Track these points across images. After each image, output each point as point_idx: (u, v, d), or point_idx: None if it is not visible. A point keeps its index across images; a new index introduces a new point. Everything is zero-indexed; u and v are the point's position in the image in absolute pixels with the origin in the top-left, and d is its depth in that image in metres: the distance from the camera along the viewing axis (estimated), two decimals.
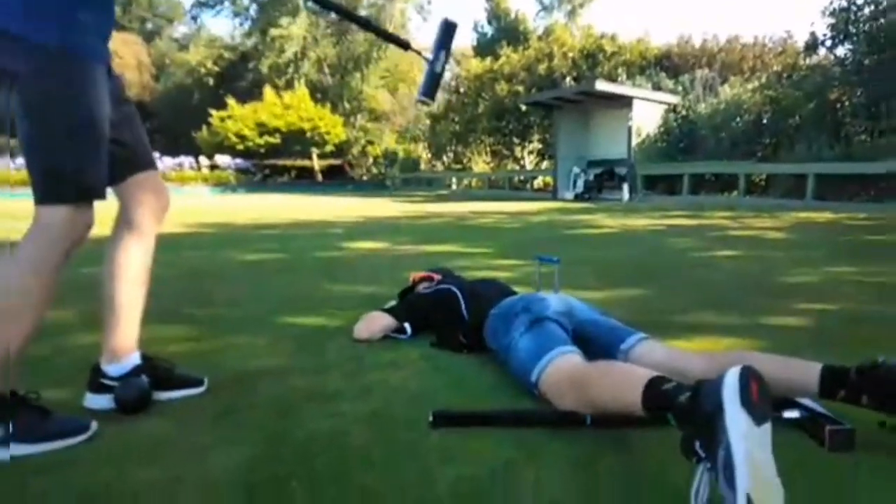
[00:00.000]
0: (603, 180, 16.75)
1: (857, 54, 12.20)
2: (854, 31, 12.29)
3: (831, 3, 12.52)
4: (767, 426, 1.02)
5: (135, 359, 1.69)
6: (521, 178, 23.88)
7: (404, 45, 2.09)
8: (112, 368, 1.64)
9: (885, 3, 11.68)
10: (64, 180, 1.40)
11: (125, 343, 1.67)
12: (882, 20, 11.57)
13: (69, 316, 2.60)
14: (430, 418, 1.51)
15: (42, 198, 1.40)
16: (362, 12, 36.48)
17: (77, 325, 2.48)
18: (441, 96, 33.19)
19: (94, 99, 1.42)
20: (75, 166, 1.41)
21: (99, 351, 1.67)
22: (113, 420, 1.55)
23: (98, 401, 1.62)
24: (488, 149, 27.66)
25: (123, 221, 1.65)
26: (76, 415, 1.54)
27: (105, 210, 1.58)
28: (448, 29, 2.03)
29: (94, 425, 1.47)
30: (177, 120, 39.33)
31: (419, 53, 1.99)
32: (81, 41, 1.40)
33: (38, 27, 1.33)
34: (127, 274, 1.64)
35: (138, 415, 1.59)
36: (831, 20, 12.69)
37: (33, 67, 1.33)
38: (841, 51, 13.11)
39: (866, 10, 12.04)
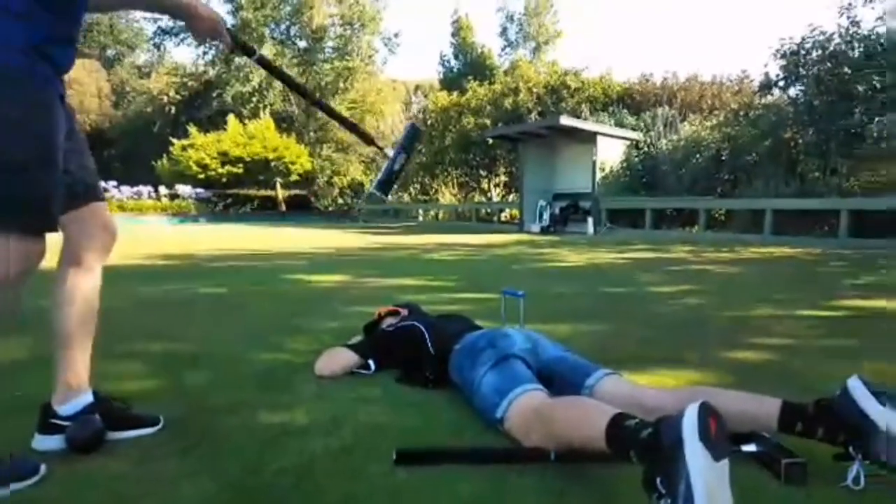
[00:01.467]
0: (568, 213, 17.00)
1: (807, 95, 12.72)
2: (804, 73, 12.84)
3: (782, 46, 13.08)
4: (726, 462, 1.04)
5: (87, 397, 1.64)
6: (488, 210, 24.10)
7: (368, 141, 2.21)
8: (63, 408, 1.59)
9: (831, 48, 12.25)
10: (14, 208, 1.32)
11: (77, 381, 1.62)
12: (829, 63, 12.12)
13: (19, 351, 2.51)
14: (394, 456, 1.50)
15: None
16: (329, 43, 36.81)
17: (27, 361, 2.40)
18: None
19: (48, 124, 1.36)
20: (27, 194, 1.33)
21: (49, 389, 1.61)
22: (63, 461, 1.50)
23: (47, 442, 1.57)
24: (455, 181, 27.88)
25: (68, 255, 1.61)
26: (24, 457, 1.48)
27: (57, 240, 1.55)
28: (413, 133, 2.14)
29: (42, 468, 1.42)
30: (136, 148, 38.70)
31: (381, 150, 2.07)
32: (34, 65, 1.33)
33: None
34: (74, 311, 1.60)
35: (90, 455, 1.54)
36: (783, 62, 13.24)
37: None
38: (793, 91, 13.67)
39: (814, 54, 12.60)
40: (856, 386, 1.39)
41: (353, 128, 2.26)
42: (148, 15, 36.00)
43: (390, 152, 2.09)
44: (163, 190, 28.58)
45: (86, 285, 1.63)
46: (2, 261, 1.31)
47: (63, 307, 1.59)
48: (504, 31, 39.81)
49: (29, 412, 1.63)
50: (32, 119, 1.33)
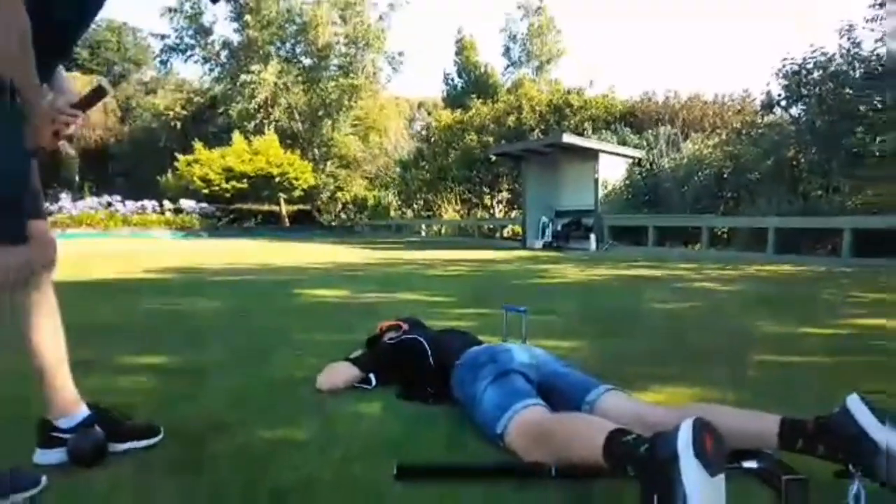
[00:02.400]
0: (571, 230, 17.02)
1: (809, 115, 12.78)
2: (806, 92, 12.91)
3: (783, 66, 13.17)
4: (721, 477, 1.04)
5: (84, 410, 1.65)
6: (491, 226, 24.14)
7: None
8: (63, 421, 1.60)
9: (832, 68, 12.33)
10: None
11: (69, 396, 1.63)
12: (830, 84, 12.19)
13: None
14: (395, 471, 1.50)
15: None
16: (334, 61, 37.07)
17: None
18: (412, 145, 33.66)
19: (20, 137, 1.37)
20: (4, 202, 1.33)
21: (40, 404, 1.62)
22: (64, 474, 1.50)
23: (49, 455, 1.58)
24: (458, 197, 27.97)
25: None
26: (24, 468, 1.49)
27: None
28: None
29: (43, 479, 1.42)
30: (142, 164, 38.87)
31: None
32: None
33: None
34: (42, 332, 1.59)
35: (91, 468, 1.54)
36: (784, 81, 13.32)
37: None
38: (795, 111, 13.73)
39: (816, 74, 12.67)
40: (855, 404, 1.39)
41: None
42: (155, 31, 36.02)
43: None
44: (167, 204, 28.67)
45: (44, 304, 1.60)
46: None
47: (31, 334, 1.58)
48: (507, 51, 40.09)
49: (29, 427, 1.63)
50: (8, 133, 1.33)
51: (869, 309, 4.88)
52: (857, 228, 10.67)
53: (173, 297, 5.29)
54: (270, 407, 2.09)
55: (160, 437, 1.74)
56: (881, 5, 11.25)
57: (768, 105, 14.39)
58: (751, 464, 1.48)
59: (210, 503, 1.37)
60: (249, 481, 1.48)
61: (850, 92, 11.76)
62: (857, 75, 11.98)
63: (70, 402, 1.63)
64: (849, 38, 12.17)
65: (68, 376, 1.64)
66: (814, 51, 12.65)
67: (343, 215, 35.70)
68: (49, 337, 1.60)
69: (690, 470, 1.03)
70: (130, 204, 27.19)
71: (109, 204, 26.52)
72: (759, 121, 15.60)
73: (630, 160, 17.01)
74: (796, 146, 13.00)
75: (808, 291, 6.41)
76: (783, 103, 13.89)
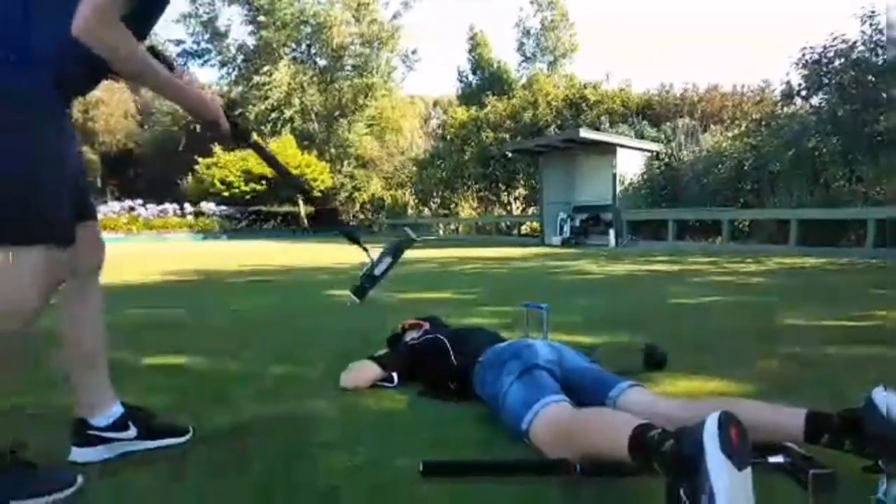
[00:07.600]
0: (589, 225, 16.95)
1: (830, 104, 12.59)
2: (827, 81, 12.72)
3: (803, 55, 12.98)
4: (748, 471, 1.04)
5: (118, 407, 1.68)
6: (508, 223, 24.10)
7: (352, 241, 2.36)
8: (98, 420, 1.63)
9: (854, 56, 12.13)
10: (36, 221, 1.36)
11: (104, 393, 1.66)
12: (852, 72, 11.99)
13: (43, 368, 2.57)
14: (421, 468, 1.51)
15: (15, 239, 1.35)
16: (349, 61, 37.15)
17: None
18: (428, 143, 33.64)
19: (60, 139, 1.41)
20: (45, 205, 1.36)
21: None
22: (98, 473, 1.53)
23: (87, 454, 1.61)
24: (475, 195, 27.96)
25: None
26: (60, 467, 1.52)
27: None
28: (405, 244, 2.44)
29: (79, 479, 1.45)
30: (162, 167, 39.30)
31: (365, 250, 2.29)
32: (39, 81, 1.35)
33: None
34: (85, 328, 1.63)
35: (127, 468, 1.58)
36: (804, 71, 13.13)
37: None
38: (816, 100, 13.53)
39: (837, 63, 12.48)
40: (881, 397, 1.38)
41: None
42: (172, 37, 36.44)
43: (374, 255, 2.23)
44: (188, 207, 28.99)
45: (90, 302, 1.65)
46: (28, 274, 1.35)
47: (75, 330, 1.62)
48: (521, 46, 39.89)
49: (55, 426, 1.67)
50: (39, 131, 1.36)
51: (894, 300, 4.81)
52: (882, 219, 10.50)
53: (197, 299, 5.36)
54: (296, 407, 2.11)
55: (189, 435, 1.77)
56: None
57: (788, 95, 14.19)
58: (777, 458, 1.47)
59: (238, 502, 1.40)
60: (279, 486, 1.50)
61: (873, 79, 11.56)
62: (881, 62, 11.77)
63: (105, 400, 1.66)
64: (871, 25, 11.96)
65: (106, 376, 1.68)
66: (834, 39, 12.46)
67: (361, 215, 35.82)
68: (90, 332, 1.64)
69: (717, 464, 1.03)
70: (152, 207, 27.55)
71: (132, 208, 26.87)
72: (780, 111, 15.38)
73: (648, 154, 16.89)
74: (817, 136, 12.82)
75: (832, 283, 6.33)
76: (803, 93, 13.69)
